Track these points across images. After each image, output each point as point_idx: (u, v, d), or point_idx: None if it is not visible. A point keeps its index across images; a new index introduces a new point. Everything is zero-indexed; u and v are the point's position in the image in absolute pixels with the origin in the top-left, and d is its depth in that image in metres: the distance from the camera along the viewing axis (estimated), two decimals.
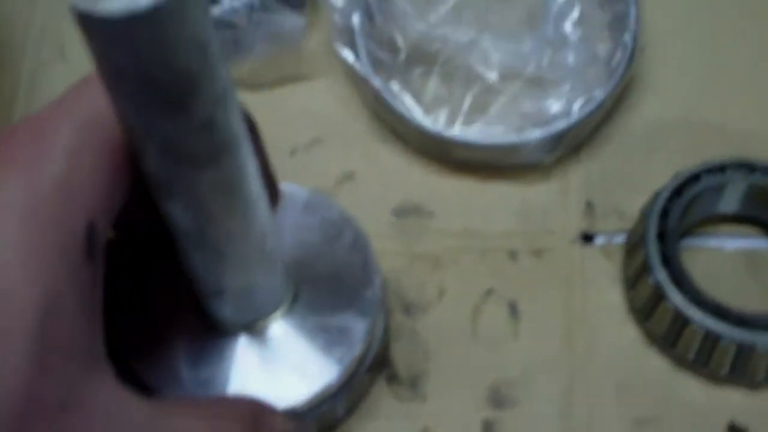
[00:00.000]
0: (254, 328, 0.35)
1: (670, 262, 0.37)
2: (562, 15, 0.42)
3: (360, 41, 0.41)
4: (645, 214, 0.38)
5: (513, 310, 0.39)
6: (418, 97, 0.41)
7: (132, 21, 0.22)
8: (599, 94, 0.40)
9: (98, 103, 0.26)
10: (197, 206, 0.28)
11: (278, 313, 0.35)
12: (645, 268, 0.37)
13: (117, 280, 0.30)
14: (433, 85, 0.42)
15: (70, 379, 0.25)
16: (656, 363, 0.37)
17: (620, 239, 0.39)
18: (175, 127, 0.25)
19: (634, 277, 0.38)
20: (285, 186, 0.37)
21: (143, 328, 0.35)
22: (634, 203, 0.39)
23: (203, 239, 0.30)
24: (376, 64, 0.41)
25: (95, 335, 0.26)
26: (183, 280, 0.32)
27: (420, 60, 0.42)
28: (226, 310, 0.34)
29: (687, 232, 0.40)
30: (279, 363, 0.35)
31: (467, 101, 0.41)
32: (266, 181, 0.30)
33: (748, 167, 0.39)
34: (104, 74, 0.24)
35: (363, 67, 0.40)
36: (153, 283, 0.35)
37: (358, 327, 0.35)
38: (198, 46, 0.24)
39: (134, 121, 0.25)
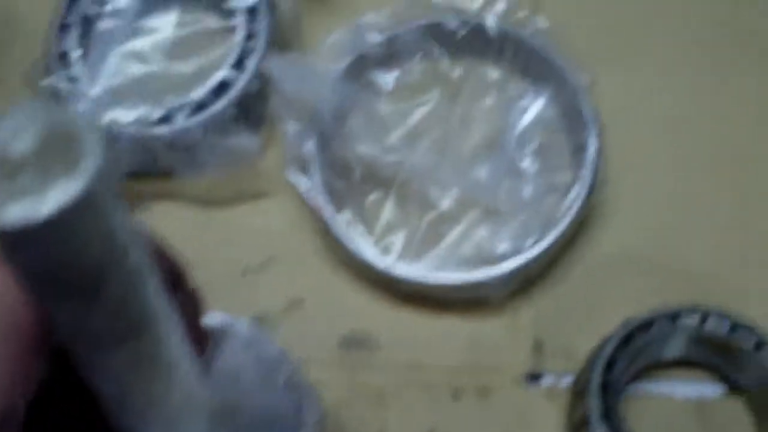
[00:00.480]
0: None
1: (610, 416, 0.36)
2: (522, 144, 0.42)
3: (314, 168, 0.40)
4: (591, 362, 0.38)
5: None
6: (370, 225, 0.41)
7: (31, 231, 0.21)
8: (555, 231, 0.40)
9: (6, 284, 0.25)
10: (117, 380, 0.27)
11: None
12: (585, 421, 0.36)
13: None
14: (387, 213, 0.41)
15: None
16: None
17: (567, 380, 0.39)
18: (86, 314, 0.24)
19: (576, 427, 0.37)
20: (222, 318, 0.36)
21: None
22: (585, 343, 0.39)
23: (125, 405, 0.29)
24: (330, 191, 0.41)
25: None
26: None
27: (375, 185, 0.42)
28: None
29: (634, 377, 0.39)
30: None
31: (420, 231, 0.41)
32: (194, 336, 0.30)
33: (701, 314, 0.38)
34: (9, 264, 0.24)
35: (315, 196, 0.40)
36: None
37: None
38: (105, 239, 0.23)
39: (44, 305, 0.24)
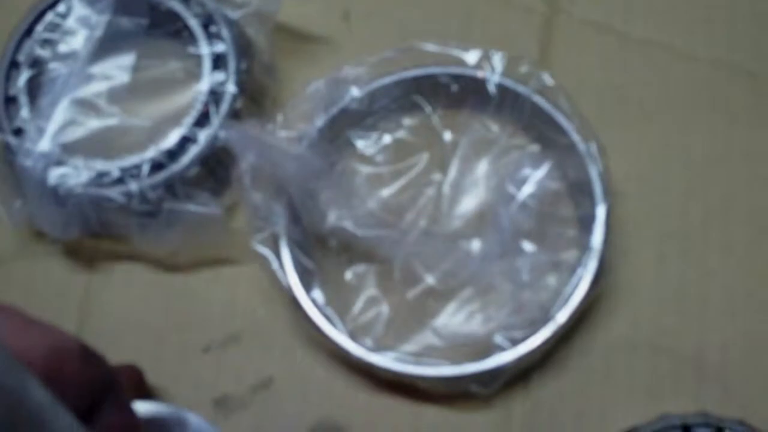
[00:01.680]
0: None
1: None
2: (521, 215, 0.37)
3: (282, 244, 0.36)
4: None
5: None
6: (347, 303, 0.37)
7: None
8: (556, 317, 0.35)
9: None
10: None
11: None
12: None
13: None
14: (366, 291, 0.37)
15: None
16: None
17: None
18: None
19: None
20: (177, 412, 0.33)
21: None
22: None
23: None
24: (301, 269, 0.36)
25: None
26: None
27: (353, 259, 0.37)
28: None
29: None
30: None
31: (403, 312, 0.36)
32: None
33: (715, 429, 0.34)
34: None
35: (284, 276, 0.35)
36: None
37: None
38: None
39: None
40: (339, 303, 0.36)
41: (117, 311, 0.38)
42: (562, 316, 0.35)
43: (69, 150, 0.37)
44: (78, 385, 0.24)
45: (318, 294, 0.36)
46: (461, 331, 0.36)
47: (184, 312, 0.38)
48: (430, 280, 0.37)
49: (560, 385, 0.36)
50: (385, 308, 0.37)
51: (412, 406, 0.36)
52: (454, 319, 0.36)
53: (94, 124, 0.37)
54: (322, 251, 0.37)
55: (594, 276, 0.36)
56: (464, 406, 0.36)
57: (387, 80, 0.37)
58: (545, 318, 0.36)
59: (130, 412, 0.27)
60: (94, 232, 0.38)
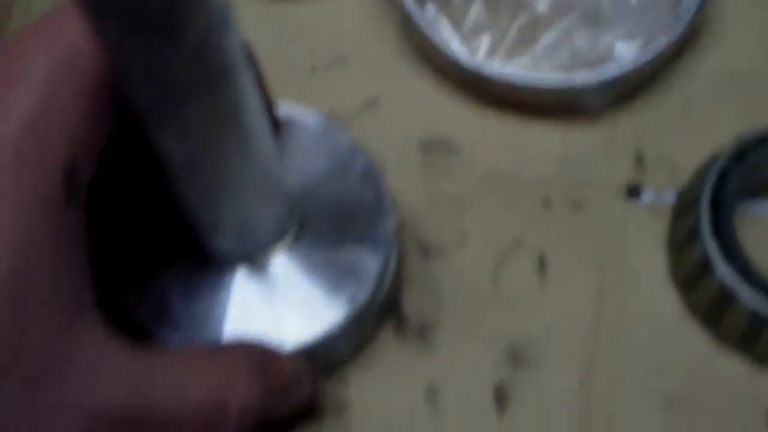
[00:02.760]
0: (255, 260, 0.31)
1: (721, 231, 0.32)
2: None
3: None
4: (701, 175, 0.34)
5: (541, 263, 0.35)
6: (456, 23, 0.37)
7: None
8: (662, 39, 0.36)
9: (76, 32, 0.23)
10: (191, 138, 0.24)
11: (281, 245, 0.31)
12: (693, 235, 0.33)
13: (104, 216, 0.28)
14: (474, 12, 0.37)
15: (53, 331, 0.22)
16: (695, 338, 0.33)
17: (670, 197, 0.35)
18: (165, 57, 0.21)
19: (680, 243, 0.34)
20: (294, 109, 0.33)
21: (133, 263, 0.31)
22: (690, 159, 0.35)
23: (199, 172, 0.26)
24: None
25: (80, 284, 0.24)
26: (176, 212, 0.29)
27: None
28: (223, 243, 0.30)
29: (745, 197, 0.36)
30: (280, 299, 0.31)
31: (512, 32, 0.37)
32: (266, 111, 0.27)
33: None
34: (83, 2, 0.20)
35: None
36: (143, 216, 0.32)
37: (368, 263, 0.31)
38: None
39: (118, 51, 0.22)
40: (451, 17, 0.37)
41: None
42: (667, 38, 0.36)
43: None
44: None
45: (429, 10, 0.36)
46: (568, 52, 0.37)
47: (288, 39, 0.39)
48: (538, 4, 0.37)
49: (664, 105, 0.37)
50: (492, 31, 0.37)
51: (520, 122, 0.37)
52: (562, 41, 0.37)
53: None
54: None
55: (697, 8, 0.36)
56: (572, 122, 0.37)
57: None
58: (651, 41, 0.36)
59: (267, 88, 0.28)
60: None
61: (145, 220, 0.31)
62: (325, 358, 0.32)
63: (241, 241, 0.30)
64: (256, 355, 0.28)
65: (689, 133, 0.36)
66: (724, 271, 0.32)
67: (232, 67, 0.23)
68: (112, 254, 0.31)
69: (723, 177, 0.34)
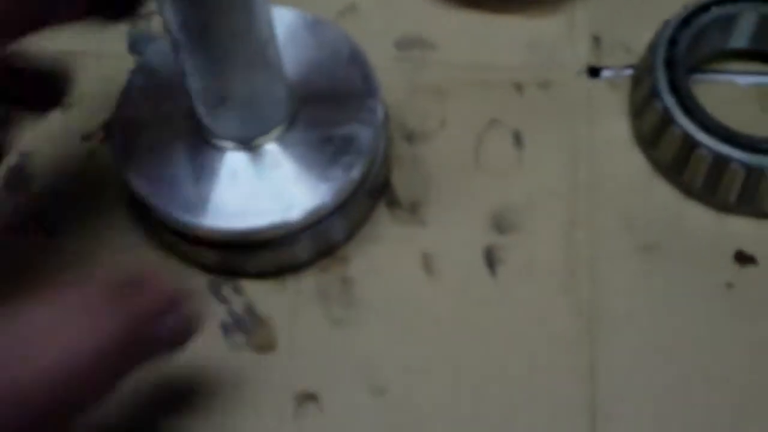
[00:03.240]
0: (253, 143, 0.34)
1: (678, 88, 0.36)
2: None
3: None
4: (652, 44, 0.37)
5: (517, 139, 0.38)
6: None
7: None
8: None
9: None
10: (204, 3, 0.27)
11: (279, 130, 0.34)
12: (652, 95, 0.36)
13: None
14: None
15: None
16: (663, 191, 0.36)
17: (627, 73, 0.39)
18: None
19: (640, 105, 0.37)
20: (280, 9, 0.36)
21: (139, 142, 0.34)
22: (642, 38, 0.38)
23: (207, 39, 0.29)
24: None
25: None
26: (180, 96, 0.32)
27: None
28: (227, 123, 0.33)
29: (696, 67, 0.39)
30: (277, 177, 0.34)
31: None
32: None
33: None
34: None
35: None
36: (148, 100, 0.35)
37: (360, 140, 0.34)
38: None
39: None
40: None
41: None
42: None
43: None
44: None
45: None
46: None
47: None
48: None
49: None
50: None
51: (488, 15, 0.40)
52: None
53: None
54: None
55: None
56: (533, 12, 0.40)
57: None
58: None
59: None
60: None
61: (152, 102, 0.34)
62: (320, 237, 0.35)
63: (245, 120, 0.33)
64: (111, 289, 0.26)
65: (639, 13, 0.40)
66: (684, 122, 0.35)
67: None
68: (120, 131, 0.34)
69: (673, 41, 0.37)
